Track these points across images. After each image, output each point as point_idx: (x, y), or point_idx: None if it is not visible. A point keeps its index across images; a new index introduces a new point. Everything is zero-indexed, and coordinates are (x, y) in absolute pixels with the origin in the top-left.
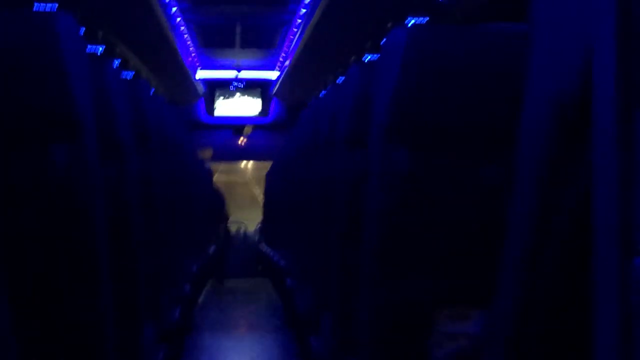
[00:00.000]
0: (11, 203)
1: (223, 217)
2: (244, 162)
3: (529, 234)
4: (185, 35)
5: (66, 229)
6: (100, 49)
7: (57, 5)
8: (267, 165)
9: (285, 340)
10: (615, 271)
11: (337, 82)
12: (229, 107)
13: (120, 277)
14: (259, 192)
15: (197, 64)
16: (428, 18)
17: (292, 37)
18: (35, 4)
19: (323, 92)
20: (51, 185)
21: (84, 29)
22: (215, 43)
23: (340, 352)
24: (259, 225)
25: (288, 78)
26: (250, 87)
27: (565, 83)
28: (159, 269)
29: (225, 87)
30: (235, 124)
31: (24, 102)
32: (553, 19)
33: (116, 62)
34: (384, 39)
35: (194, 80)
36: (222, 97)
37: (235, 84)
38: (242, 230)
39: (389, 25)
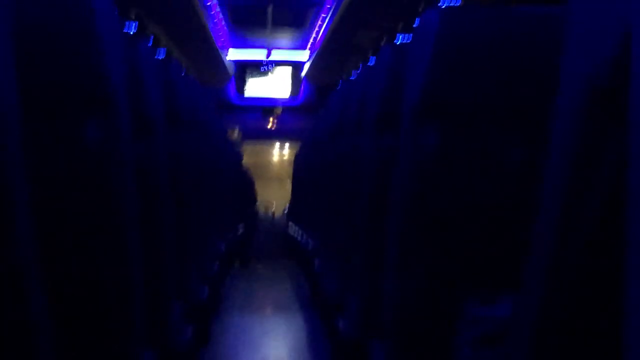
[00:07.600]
0: (44, 177)
1: (251, 198)
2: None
3: (560, 217)
4: (216, 14)
5: (96, 204)
6: (133, 28)
7: None
8: None
9: (312, 321)
10: None
11: (368, 64)
12: (259, 88)
13: (150, 255)
14: None
15: (228, 44)
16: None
17: (323, 17)
18: None
19: (353, 74)
20: (83, 160)
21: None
22: (247, 23)
23: (366, 333)
24: (286, 207)
25: (319, 59)
26: (280, 68)
27: (601, 65)
28: (188, 247)
29: (255, 68)
30: (265, 106)
31: (60, 78)
32: (589, 0)
33: (149, 42)
34: (417, 21)
35: (224, 61)
36: (252, 78)
37: (266, 65)
38: (269, 212)
39: (422, 6)
